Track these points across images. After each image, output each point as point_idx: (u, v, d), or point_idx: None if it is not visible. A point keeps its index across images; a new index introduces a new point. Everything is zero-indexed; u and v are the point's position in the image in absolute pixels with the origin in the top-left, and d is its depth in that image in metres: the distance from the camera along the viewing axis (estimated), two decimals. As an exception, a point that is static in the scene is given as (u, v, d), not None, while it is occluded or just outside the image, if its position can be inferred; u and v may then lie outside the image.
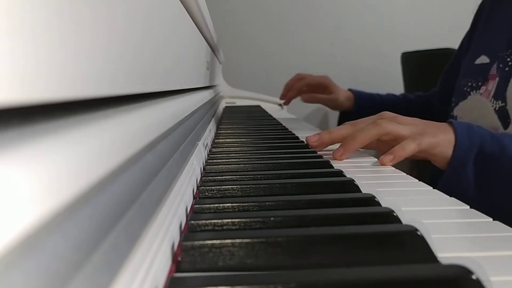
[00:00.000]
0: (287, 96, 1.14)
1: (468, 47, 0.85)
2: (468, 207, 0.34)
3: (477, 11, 0.87)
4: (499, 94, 0.69)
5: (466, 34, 0.90)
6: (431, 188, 0.40)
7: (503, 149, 0.53)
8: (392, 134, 0.53)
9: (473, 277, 0.19)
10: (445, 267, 0.21)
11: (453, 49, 1.69)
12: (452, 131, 0.55)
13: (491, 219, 0.31)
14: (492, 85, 0.71)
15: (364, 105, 1.05)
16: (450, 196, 0.37)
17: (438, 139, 0.54)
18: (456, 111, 0.79)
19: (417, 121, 0.56)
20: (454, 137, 0.54)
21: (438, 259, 0.23)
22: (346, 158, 0.54)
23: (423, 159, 0.56)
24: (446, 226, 0.30)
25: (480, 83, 0.75)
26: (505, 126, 0.66)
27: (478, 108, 0.73)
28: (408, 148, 0.51)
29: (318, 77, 1.10)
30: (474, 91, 0.75)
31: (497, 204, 0.51)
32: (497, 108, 0.69)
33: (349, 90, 1.09)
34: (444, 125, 0.56)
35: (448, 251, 0.25)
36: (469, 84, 0.77)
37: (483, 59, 0.77)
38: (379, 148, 0.57)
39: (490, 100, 0.70)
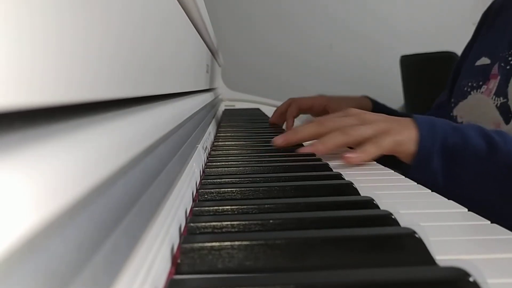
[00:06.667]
0: (276, 122, 0.97)
1: (469, 52, 0.85)
2: (466, 209, 0.34)
3: (480, 21, 0.88)
4: (501, 91, 0.70)
5: (468, 43, 0.90)
6: (429, 191, 0.40)
7: (467, 140, 0.54)
8: (358, 140, 0.54)
9: (471, 279, 0.19)
10: (442, 269, 0.21)
11: (451, 52, 1.69)
12: (414, 127, 0.55)
13: (489, 222, 0.31)
14: (493, 84, 0.73)
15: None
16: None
17: (403, 137, 0.54)
18: (456, 111, 0.79)
19: (382, 117, 0.56)
20: (416, 133, 0.55)
21: (436, 261, 0.23)
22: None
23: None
24: (444, 228, 0.30)
25: (481, 83, 0.76)
26: (507, 121, 0.68)
27: (479, 106, 0.74)
28: (369, 151, 0.52)
29: (310, 99, 0.93)
30: (475, 91, 0.76)
31: (466, 195, 0.50)
32: (498, 105, 0.70)
33: (367, 98, 0.95)
34: (407, 120, 0.57)
35: (446, 253, 0.25)
36: (469, 84, 0.78)
37: (483, 61, 0.78)
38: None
39: (492, 98, 0.72)
